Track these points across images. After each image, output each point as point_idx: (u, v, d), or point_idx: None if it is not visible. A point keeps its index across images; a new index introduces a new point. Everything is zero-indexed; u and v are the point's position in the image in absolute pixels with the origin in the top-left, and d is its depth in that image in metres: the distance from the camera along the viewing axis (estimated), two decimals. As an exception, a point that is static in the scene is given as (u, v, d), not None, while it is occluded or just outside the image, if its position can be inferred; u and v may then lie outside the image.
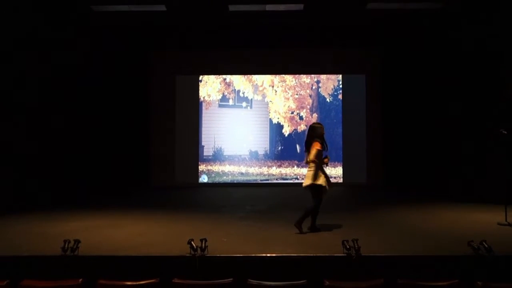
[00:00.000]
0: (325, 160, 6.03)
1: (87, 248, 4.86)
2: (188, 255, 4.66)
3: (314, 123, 6.24)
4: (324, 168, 6.05)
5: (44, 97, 9.30)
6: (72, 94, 9.98)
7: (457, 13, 9.33)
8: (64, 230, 6.03)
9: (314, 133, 6.04)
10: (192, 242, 4.70)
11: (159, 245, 5.25)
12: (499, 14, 8.56)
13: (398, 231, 6.03)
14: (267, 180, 11.29)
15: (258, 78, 11.47)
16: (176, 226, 6.46)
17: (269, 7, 9.34)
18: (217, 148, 11.51)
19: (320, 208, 6.03)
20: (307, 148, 6.04)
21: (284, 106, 11.44)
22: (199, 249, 4.66)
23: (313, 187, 5.93)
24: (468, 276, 4.19)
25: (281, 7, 9.40)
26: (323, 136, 6.05)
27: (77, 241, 4.73)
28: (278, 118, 11.41)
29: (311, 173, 5.94)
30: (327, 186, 5.95)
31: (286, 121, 11.40)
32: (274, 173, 11.38)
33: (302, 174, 10.91)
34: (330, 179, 6.13)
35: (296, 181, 10.89)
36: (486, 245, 4.63)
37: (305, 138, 6.21)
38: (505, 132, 6.49)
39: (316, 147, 5.89)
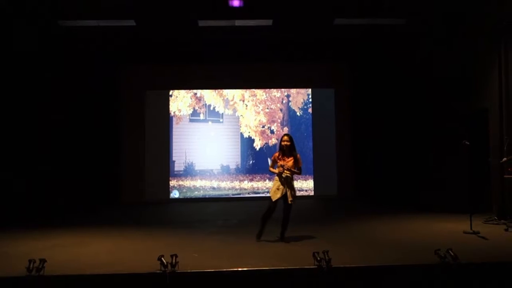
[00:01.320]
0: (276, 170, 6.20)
1: (53, 268, 4.72)
2: (158, 271, 4.59)
3: (287, 135, 6.29)
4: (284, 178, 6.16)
5: (11, 112, 9.11)
6: (40, 109, 9.79)
7: (420, 27, 9.66)
8: (29, 249, 5.83)
9: (294, 144, 6.22)
10: (162, 258, 4.64)
11: (128, 263, 5.14)
12: (464, 27, 8.90)
13: (368, 242, 6.11)
14: (239, 194, 11.28)
15: (229, 93, 11.52)
16: (145, 242, 6.35)
17: (238, 23, 9.44)
18: (188, 163, 11.44)
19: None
20: (287, 156, 6.12)
21: (255, 120, 11.50)
22: (169, 265, 4.60)
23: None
24: (436, 284, 4.27)
25: (250, 23, 9.52)
26: (282, 145, 6.21)
27: (43, 261, 4.59)
28: (249, 132, 11.46)
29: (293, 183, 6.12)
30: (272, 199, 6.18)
31: (257, 135, 11.46)
32: (246, 187, 11.38)
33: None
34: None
35: (268, 194, 10.88)
36: (452, 254, 4.75)
37: (283, 147, 6.15)
38: (468, 143, 6.70)
39: (300, 158, 6.17)
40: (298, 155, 6.18)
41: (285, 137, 6.21)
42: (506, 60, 7.74)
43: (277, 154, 6.24)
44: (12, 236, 6.83)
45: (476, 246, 5.72)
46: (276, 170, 6.16)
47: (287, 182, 6.08)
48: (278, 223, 6.26)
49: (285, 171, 6.08)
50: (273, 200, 6.13)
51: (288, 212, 6.15)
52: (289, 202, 6.07)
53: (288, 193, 6.06)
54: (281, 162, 6.13)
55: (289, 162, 6.10)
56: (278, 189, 6.11)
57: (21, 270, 4.56)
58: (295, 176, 6.27)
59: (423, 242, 5.97)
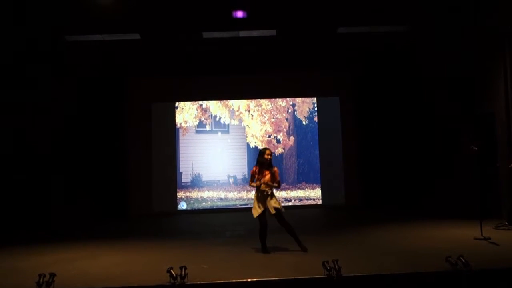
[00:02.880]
0: (253, 183, 6.23)
1: (63, 282, 4.73)
2: (167, 284, 4.58)
3: (268, 149, 6.29)
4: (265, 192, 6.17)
5: (18, 125, 9.21)
6: (46, 123, 9.87)
7: (424, 32, 9.67)
8: (39, 263, 5.85)
9: (271, 158, 6.18)
10: (172, 271, 4.64)
11: (137, 275, 5.14)
12: (467, 30, 8.92)
13: (377, 250, 6.06)
14: (247, 204, 11.24)
15: (234, 103, 11.55)
16: (154, 254, 6.35)
17: (242, 34, 9.50)
18: (195, 174, 11.45)
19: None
20: (262, 171, 6.10)
21: (261, 130, 11.52)
22: (178, 277, 4.59)
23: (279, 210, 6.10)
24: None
25: (254, 33, 9.58)
26: (266, 158, 6.18)
27: (53, 275, 4.61)
28: (256, 142, 11.46)
29: (275, 198, 6.13)
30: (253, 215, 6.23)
31: (263, 144, 11.45)
32: (253, 197, 11.32)
33: (281, 197, 10.94)
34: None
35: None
36: (463, 260, 4.70)
37: (266, 160, 6.16)
38: (476, 148, 6.67)
39: (277, 172, 6.15)
40: (275, 169, 6.16)
41: (268, 151, 6.21)
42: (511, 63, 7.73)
43: (255, 168, 6.21)
44: (21, 251, 6.86)
45: (487, 253, 5.67)
46: (255, 184, 6.12)
47: (266, 197, 6.07)
48: (278, 234, 6.24)
49: (262, 185, 6.06)
50: (255, 216, 6.14)
51: (283, 221, 6.10)
52: (273, 213, 6.02)
53: (269, 205, 6.04)
54: (258, 177, 6.10)
55: (266, 176, 6.08)
56: (258, 206, 6.11)
57: (31, 284, 4.57)
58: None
59: (433, 249, 5.92)
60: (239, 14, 8.55)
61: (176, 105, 11.46)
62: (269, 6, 8.54)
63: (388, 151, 10.65)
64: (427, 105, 10.14)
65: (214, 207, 11.27)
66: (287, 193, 11.38)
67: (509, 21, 7.64)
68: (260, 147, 11.39)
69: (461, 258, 4.74)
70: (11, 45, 9.04)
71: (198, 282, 4.68)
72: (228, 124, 11.55)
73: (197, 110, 11.52)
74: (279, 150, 11.48)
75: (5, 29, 8.69)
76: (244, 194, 11.38)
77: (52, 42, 9.46)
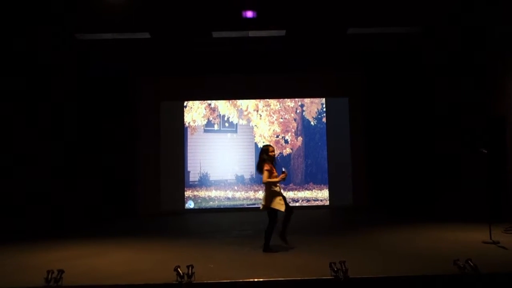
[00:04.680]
0: (282, 175, 6.21)
1: (71, 278, 4.76)
2: (174, 282, 4.60)
3: (263, 145, 6.49)
4: (279, 187, 6.25)
5: (28, 123, 9.27)
6: (56, 121, 9.93)
7: (435, 35, 9.61)
8: (47, 260, 5.91)
9: (262, 154, 6.32)
10: (179, 269, 4.66)
11: (144, 273, 5.16)
12: (478, 34, 8.85)
13: (385, 252, 6.04)
14: (254, 204, 11.25)
15: (243, 103, 11.56)
16: (161, 253, 6.37)
17: (251, 33, 9.50)
18: (203, 174, 11.47)
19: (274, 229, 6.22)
20: (259, 170, 6.27)
21: (269, 130, 11.52)
22: (185, 276, 4.61)
23: (270, 209, 6.15)
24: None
25: (264, 33, 9.58)
26: (272, 155, 6.30)
27: (61, 271, 4.65)
28: (264, 142, 11.46)
29: (265, 195, 6.22)
30: (282, 210, 6.16)
31: (271, 145, 11.45)
32: (260, 197, 11.31)
33: (288, 197, 10.93)
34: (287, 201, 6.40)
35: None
36: (471, 264, 4.67)
37: (267, 158, 6.33)
38: (485, 151, 6.61)
39: (265, 168, 6.15)
40: (263, 167, 6.24)
41: (272, 148, 6.40)
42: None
43: (269, 165, 6.25)
44: (30, 247, 6.92)
45: (496, 256, 5.62)
46: (279, 178, 6.20)
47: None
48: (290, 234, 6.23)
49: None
50: (283, 210, 6.17)
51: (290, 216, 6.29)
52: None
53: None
54: (275, 173, 6.25)
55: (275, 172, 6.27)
56: (281, 200, 6.18)
57: (40, 281, 4.61)
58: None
59: (441, 252, 5.89)
60: (249, 14, 8.55)
61: (185, 104, 11.50)
62: (278, 6, 8.53)
63: (397, 152, 10.60)
64: (437, 106, 10.08)
65: (222, 207, 11.29)
66: (294, 194, 11.37)
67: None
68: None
69: (469, 261, 4.71)
70: (26, 44, 9.12)
71: (205, 281, 4.69)
72: (236, 124, 11.56)
73: (205, 109, 11.55)
74: (287, 151, 11.48)
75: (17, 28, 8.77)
76: (251, 194, 11.39)
77: (63, 40, 9.52)
